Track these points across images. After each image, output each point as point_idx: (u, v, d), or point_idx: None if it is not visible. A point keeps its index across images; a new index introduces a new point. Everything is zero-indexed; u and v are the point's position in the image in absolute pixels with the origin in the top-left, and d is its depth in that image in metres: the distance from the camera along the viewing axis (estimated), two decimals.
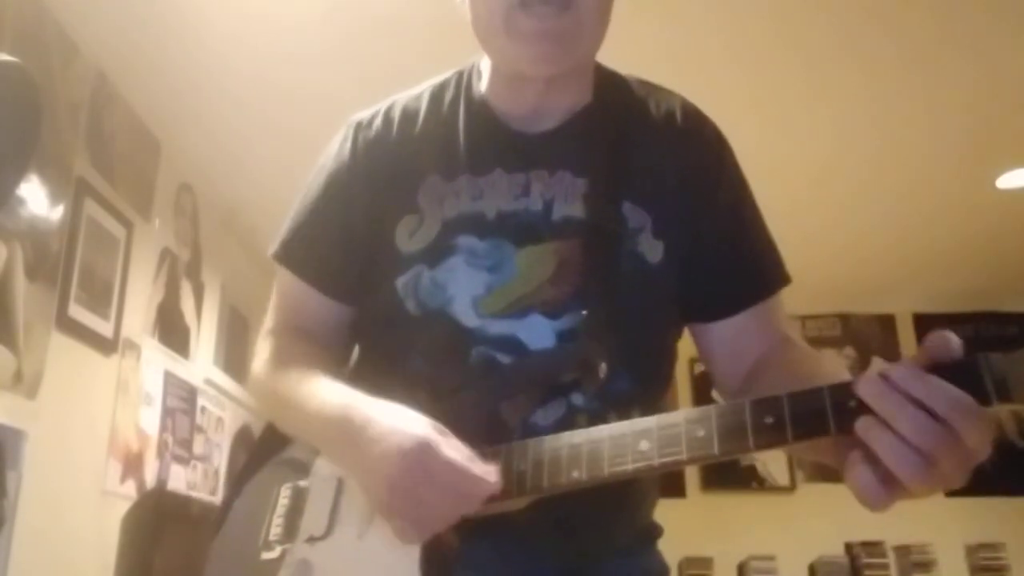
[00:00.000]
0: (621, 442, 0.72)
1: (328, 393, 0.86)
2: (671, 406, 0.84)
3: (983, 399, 0.59)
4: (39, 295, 2.14)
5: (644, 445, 0.70)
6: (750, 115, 2.80)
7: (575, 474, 0.73)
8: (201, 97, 2.73)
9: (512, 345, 0.87)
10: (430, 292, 0.90)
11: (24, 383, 2.05)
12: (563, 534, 0.86)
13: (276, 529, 0.90)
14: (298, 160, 3.49)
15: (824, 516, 4.32)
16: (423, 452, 0.74)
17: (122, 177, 2.62)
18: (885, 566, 4.17)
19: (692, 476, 4.47)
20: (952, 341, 0.61)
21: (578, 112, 0.96)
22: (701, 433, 0.67)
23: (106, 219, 2.50)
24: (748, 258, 0.95)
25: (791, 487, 4.48)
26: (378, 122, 1.01)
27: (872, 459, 0.61)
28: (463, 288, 0.89)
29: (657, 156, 0.94)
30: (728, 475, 4.46)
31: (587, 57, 0.95)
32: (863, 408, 0.61)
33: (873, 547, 4.18)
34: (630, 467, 0.70)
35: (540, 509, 0.79)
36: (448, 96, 1.01)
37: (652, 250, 0.90)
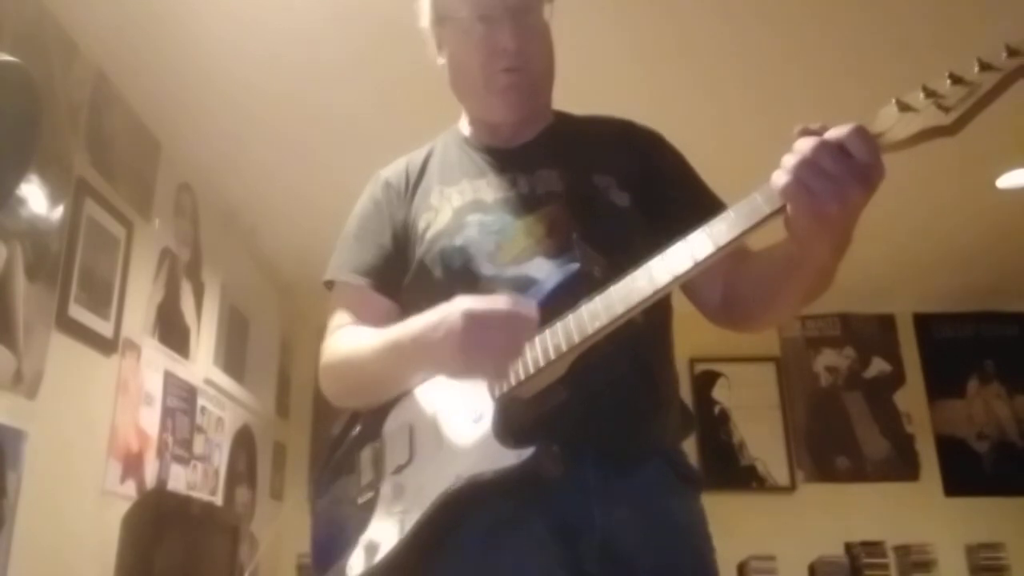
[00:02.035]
0: (631, 282, 0.93)
1: (382, 334, 1.09)
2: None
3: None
4: (39, 295, 2.14)
5: (642, 283, 0.92)
6: (743, 117, 2.80)
7: (597, 323, 0.93)
8: (201, 97, 2.73)
9: (526, 282, 1.07)
10: (452, 256, 1.13)
11: (24, 383, 2.06)
12: (598, 431, 1.03)
13: (365, 478, 1.09)
14: (297, 160, 3.50)
15: (824, 516, 4.33)
16: (471, 314, 0.96)
17: (122, 177, 2.62)
18: (885, 566, 4.17)
19: None
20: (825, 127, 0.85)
21: (543, 129, 1.26)
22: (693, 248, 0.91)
23: (106, 219, 2.50)
24: (697, 197, 1.19)
25: (791, 487, 4.48)
26: (393, 169, 1.30)
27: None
28: (479, 248, 1.12)
29: (609, 145, 1.23)
30: (728, 475, 4.47)
31: (544, 100, 1.27)
32: None
33: (873, 547, 4.17)
34: (649, 292, 0.91)
35: (577, 402, 0.98)
36: (441, 143, 1.31)
37: (621, 198, 1.16)
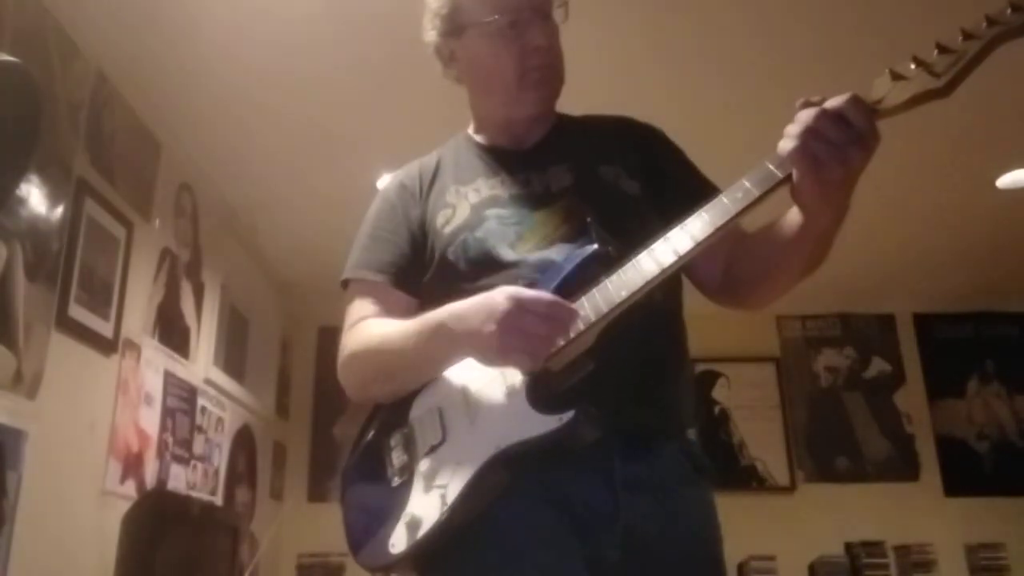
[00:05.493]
0: (654, 252, 0.99)
1: (421, 318, 1.10)
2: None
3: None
4: (39, 295, 2.14)
5: (665, 251, 0.98)
6: (744, 117, 2.80)
7: (624, 293, 0.98)
8: (201, 97, 2.74)
9: (549, 265, 1.10)
10: (474, 247, 1.16)
11: (24, 383, 2.05)
12: (624, 400, 1.07)
13: (397, 462, 1.11)
14: (298, 160, 3.50)
15: (824, 516, 4.33)
16: (513, 298, 0.98)
17: (122, 177, 2.62)
18: (885, 566, 4.17)
19: None
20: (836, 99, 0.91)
21: (550, 129, 1.31)
22: (707, 216, 0.97)
23: (106, 219, 2.50)
24: (695, 183, 1.24)
25: (791, 487, 4.48)
26: (406, 172, 1.33)
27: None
28: (500, 238, 1.16)
29: (612, 138, 1.29)
30: (728, 475, 4.47)
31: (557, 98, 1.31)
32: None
33: (873, 547, 4.18)
34: (673, 258, 0.97)
35: (604, 373, 1.00)
36: (450, 148, 1.34)
37: (630, 186, 1.21)
